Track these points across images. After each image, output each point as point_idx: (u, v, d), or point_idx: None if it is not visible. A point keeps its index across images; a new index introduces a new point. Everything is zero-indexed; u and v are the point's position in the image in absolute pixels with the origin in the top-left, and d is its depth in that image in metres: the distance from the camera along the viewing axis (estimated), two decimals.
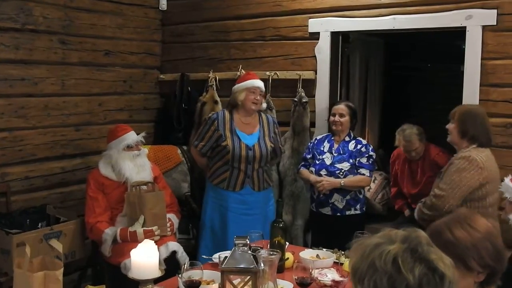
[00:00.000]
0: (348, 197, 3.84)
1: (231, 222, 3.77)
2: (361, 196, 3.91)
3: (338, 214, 3.85)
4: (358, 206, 3.88)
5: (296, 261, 2.73)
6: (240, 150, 3.72)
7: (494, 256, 1.70)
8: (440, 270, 1.26)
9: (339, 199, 3.83)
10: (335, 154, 3.90)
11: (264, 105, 4.03)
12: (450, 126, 3.27)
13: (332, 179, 3.81)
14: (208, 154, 3.87)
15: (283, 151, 4.10)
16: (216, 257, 2.81)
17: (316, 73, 4.37)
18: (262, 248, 2.63)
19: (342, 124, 3.92)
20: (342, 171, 3.82)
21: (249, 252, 2.27)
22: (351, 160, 3.84)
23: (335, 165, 3.85)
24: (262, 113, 3.97)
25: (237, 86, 3.85)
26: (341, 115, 3.92)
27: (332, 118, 3.97)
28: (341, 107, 3.95)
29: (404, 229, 1.37)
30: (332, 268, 2.66)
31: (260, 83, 3.83)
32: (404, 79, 7.59)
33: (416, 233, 1.33)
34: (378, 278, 1.25)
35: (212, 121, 3.82)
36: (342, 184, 3.78)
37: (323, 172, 3.86)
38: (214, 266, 2.70)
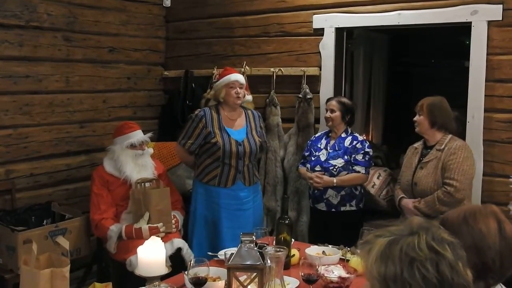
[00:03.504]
0: (343, 192, 3.80)
1: (224, 218, 3.74)
2: (357, 192, 3.87)
3: (333, 209, 3.82)
4: (353, 202, 3.84)
5: (302, 257, 2.72)
6: (230, 146, 3.70)
7: (470, 249, 1.69)
8: (458, 242, 1.33)
9: (333, 194, 3.80)
10: (330, 151, 3.87)
11: (249, 97, 3.95)
12: (419, 118, 3.47)
13: (325, 177, 3.78)
14: (196, 152, 3.86)
15: (268, 145, 4.07)
16: (222, 254, 2.81)
17: (320, 69, 4.36)
18: (268, 244, 2.63)
19: (333, 120, 3.88)
20: (336, 167, 3.79)
21: (256, 249, 2.26)
22: (345, 157, 3.81)
23: (329, 162, 3.82)
24: (246, 108, 3.93)
25: (216, 85, 3.83)
26: (332, 111, 3.88)
27: (325, 114, 3.96)
28: (332, 103, 3.92)
29: (400, 221, 1.41)
30: (338, 265, 2.65)
31: (237, 76, 3.77)
32: (408, 75, 7.57)
33: (418, 220, 1.39)
34: (421, 266, 1.26)
35: (200, 119, 3.77)
36: (335, 183, 3.76)
37: (317, 168, 3.85)
38: (220, 263, 2.70)
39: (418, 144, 3.60)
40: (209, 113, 3.79)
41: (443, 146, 3.38)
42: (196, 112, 3.90)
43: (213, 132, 3.73)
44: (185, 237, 3.89)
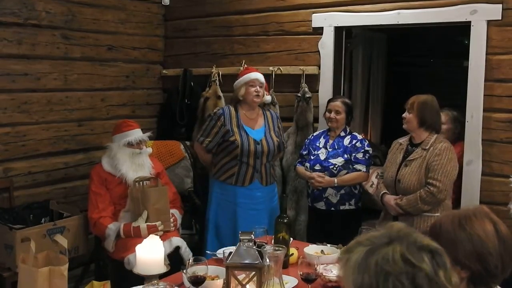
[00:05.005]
0: (342, 191, 3.80)
1: (240, 217, 3.76)
2: (356, 192, 3.86)
3: (332, 208, 3.81)
4: (353, 201, 3.84)
5: (300, 256, 2.72)
6: (248, 145, 3.73)
7: (471, 257, 1.69)
8: (439, 249, 1.27)
9: (333, 193, 3.80)
10: (330, 150, 3.86)
11: (268, 97, 4.00)
12: (408, 116, 3.44)
13: (326, 177, 3.78)
14: (214, 150, 3.86)
15: (286, 146, 4.10)
16: (220, 253, 2.80)
17: (319, 68, 4.36)
18: (267, 243, 2.63)
19: (338, 121, 3.87)
20: (336, 166, 3.79)
21: (254, 247, 2.26)
22: (345, 155, 3.81)
23: (329, 160, 3.82)
24: (265, 108, 3.96)
25: (236, 83, 3.87)
26: (337, 112, 3.87)
27: (327, 114, 3.91)
28: (338, 104, 3.89)
29: (379, 228, 1.35)
30: (337, 264, 2.64)
31: (257, 75, 3.82)
32: (407, 74, 7.58)
33: (398, 226, 1.33)
34: (396, 280, 1.22)
35: (218, 117, 3.82)
36: (336, 183, 3.75)
37: (317, 167, 3.84)
38: (219, 262, 2.70)
39: (403, 140, 3.59)
40: (228, 112, 3.82)
41: (428, 146, 3.37)
42: (215, 110, 3.96)
43: (232, 130, 3.75)
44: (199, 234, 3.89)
